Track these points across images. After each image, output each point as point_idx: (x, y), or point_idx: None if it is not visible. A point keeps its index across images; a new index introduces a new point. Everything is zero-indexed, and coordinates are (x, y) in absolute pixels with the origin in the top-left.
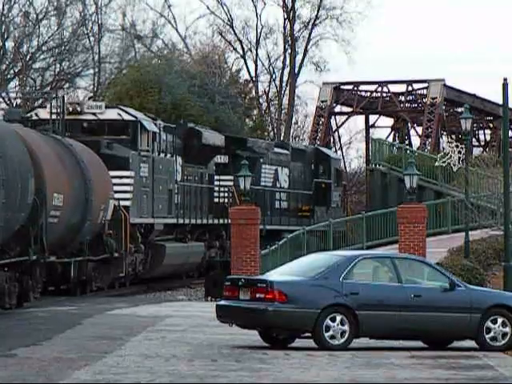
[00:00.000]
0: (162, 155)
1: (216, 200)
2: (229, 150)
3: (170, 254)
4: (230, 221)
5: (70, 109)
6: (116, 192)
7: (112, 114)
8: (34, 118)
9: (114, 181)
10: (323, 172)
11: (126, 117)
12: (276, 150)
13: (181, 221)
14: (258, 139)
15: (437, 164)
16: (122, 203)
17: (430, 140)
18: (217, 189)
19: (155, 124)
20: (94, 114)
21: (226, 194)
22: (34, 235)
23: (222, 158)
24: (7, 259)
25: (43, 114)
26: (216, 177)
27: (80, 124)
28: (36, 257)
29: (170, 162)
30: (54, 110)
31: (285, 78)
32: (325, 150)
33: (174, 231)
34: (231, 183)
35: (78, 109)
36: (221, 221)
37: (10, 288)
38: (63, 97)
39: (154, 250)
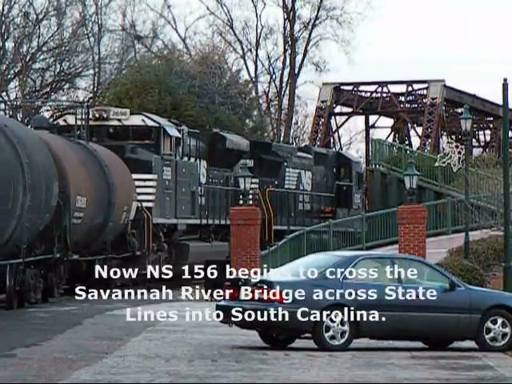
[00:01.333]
0: (186, 159)
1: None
2: (254, 154)
3: (194, 252)
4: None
5: (97, 115)
6: (139, 194)
7: (136, 120)
8: (62, 123)
9: (138, 183)
10: (345, 175)
11: (150, 123)
12: (299, 154)
13: (204, 221)
14: (282, 144)
15: (437, 164)
16: (145, 204)
17: (429, 140)
18: None
19: (179, 130)
20: (119, 120)
21: (251, 197)
22: (57, 235)
23: (247, 162)
24: (33, 257)
25: (71, 120)
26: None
27: (106, 129)
28: (60, 255)
29: (194, 165)
30: (81, 117)
31: (285, 79)
32: (346, 154)
33: (198, 231)
34: (256, 186)
35: (104, 115)
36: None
37: (35, 284)
38: (88, 105)
39: (177, 248)
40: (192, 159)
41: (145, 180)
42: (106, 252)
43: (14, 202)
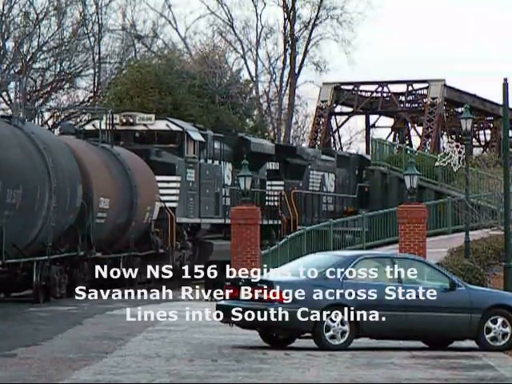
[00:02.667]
0: (210, 162)
1: (270, 204)
2: (279, 158)
3: (217, 251)
4: (279, 222)
5: (124, 120)
6: (163, 195)
7: (161, 125)
8: (89, 128)
9: (162, 185)
10: (366, 177)
11: (174, 127)
12: (323, 157)
13: (228, 221)
14: (306, 147)
15: (437, 164)
16: (169, 205)
17: (430, 140)
18: (269, 193)
19: (203, 134)
20: (144, 124)
21: (277, 198)
22: (81, 234)
23: (272, 165)
24: (57, 255)
25: (97, 125)
26: (268, 182)
27: (132, 134)
28: (83, 253)
29: (218, 167)
30: (106, 122)
31: (285, 78)
32: (368, 156)
33: (222, 230)
34: (282, 188)
35: (131, 120)
36: (270, 222)
37: (60, 279)
38: (112, 112)
39: (201, 247)
40: (216, 162)
41: (168, 181)
42: (129, 250)
43: (41, 204)
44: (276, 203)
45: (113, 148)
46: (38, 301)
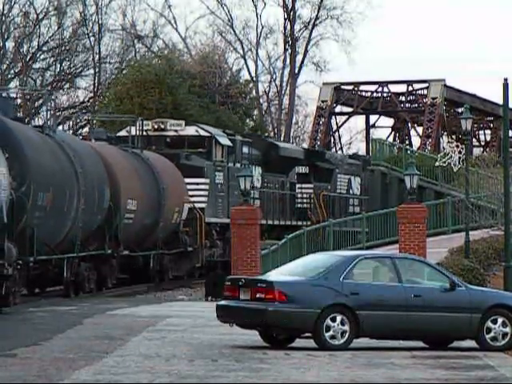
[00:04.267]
0: (238, 165)
1: (298, 205)
2: (309, 162)
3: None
4: (309, 222)
5: (156, 126)
6: (193, 196)
7: (191, 131)
8: (122, 134)
9: (191, 187)
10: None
11: (203, 133)
12: (349, 161)
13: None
14: (334, 152)
15: (437, 164)
16: (198, 205)
17: (430, 140)
18: (299, 195)
19: (231, 139)
20: (175, 130)
21: (306, 200)
22: (109, 233)
23: (302, 169)
24: (86, 252)
25: (128, 132)
26: (298, 185)
27: (164, 139)
28: (111, 251)
29: (246, 170)
30: (136, 128)
31: (285, 78)
32: None
33: None
34: (311, 191)
35: (162, 126)
36: (300, 223)
37: (89, 275)
38: (142, 119)
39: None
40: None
41: (198, 184)
42: (157, 248)
43: (69, 206)
44: (305, 205)
45: (142, 153)
46: (68, 295)
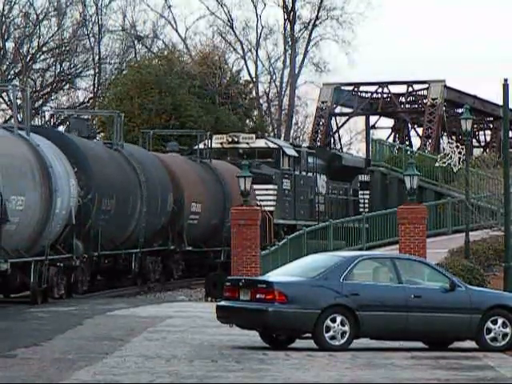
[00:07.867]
0: (304, 173)
1: (361, 210)
2: (369, 171)
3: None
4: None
5: (230, 139)
6: (262, 200)
7: (261, 143)
8: (201, 146)
9: (261, 192)
10: None
11: (271, 145)
12: None
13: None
14: None
15: (437, 165)
16: (267, 208)
17: (430, 141)
18: (361, 201)
19: (297, 150)
20: (247, 143)
21: (368, 205)
22: (172, 232)
23: (364, 177)
24: (149, 248)
25: (200, 145)
26: (360, 192)
27: (237, 151)
28: (173, 247)
29: (311, 178)
30: (206, 141)
31: (285, 79)
32: None
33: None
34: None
35: (235, 139)
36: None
37: (154, 268)
38: (211, 134)
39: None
40: (310, 174)
41: (267, 189)
42: (221, 245)
43: (133, 209)
44: (367, 209)
45: (211, 162)
46: (136, 284)
